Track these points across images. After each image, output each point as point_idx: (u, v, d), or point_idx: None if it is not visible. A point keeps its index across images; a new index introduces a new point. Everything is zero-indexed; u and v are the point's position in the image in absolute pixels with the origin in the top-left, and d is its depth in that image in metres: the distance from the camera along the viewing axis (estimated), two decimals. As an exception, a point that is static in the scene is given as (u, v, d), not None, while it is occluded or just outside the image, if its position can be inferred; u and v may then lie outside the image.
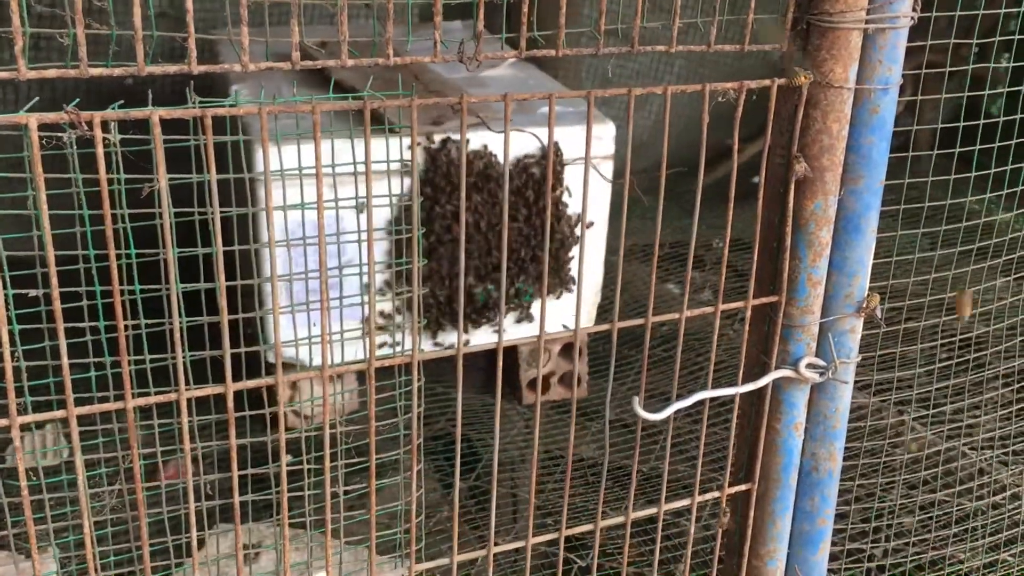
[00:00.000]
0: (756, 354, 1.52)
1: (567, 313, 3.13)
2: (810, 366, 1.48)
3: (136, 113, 1.09)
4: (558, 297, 3.23)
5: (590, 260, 3.23)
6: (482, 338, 3.20)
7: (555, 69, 3.91)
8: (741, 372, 1.51)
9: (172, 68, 1.13)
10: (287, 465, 1.28)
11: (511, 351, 3.42)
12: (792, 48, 1.35)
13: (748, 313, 1.48)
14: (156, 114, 1.09)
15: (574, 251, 3.18)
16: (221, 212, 1.22)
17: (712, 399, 1.51)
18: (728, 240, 1.41)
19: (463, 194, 1.19)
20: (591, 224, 3.15)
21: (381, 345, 3.02)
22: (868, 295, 1.47)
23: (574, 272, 3.21)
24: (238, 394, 1.23)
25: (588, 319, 3.33)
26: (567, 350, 3.44)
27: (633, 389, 3.37)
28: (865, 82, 1.34)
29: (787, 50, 1.35)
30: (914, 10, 1.31)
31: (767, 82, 1.34)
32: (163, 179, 1.12)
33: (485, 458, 3.09)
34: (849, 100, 1.34)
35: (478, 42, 1.20)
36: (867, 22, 1.30)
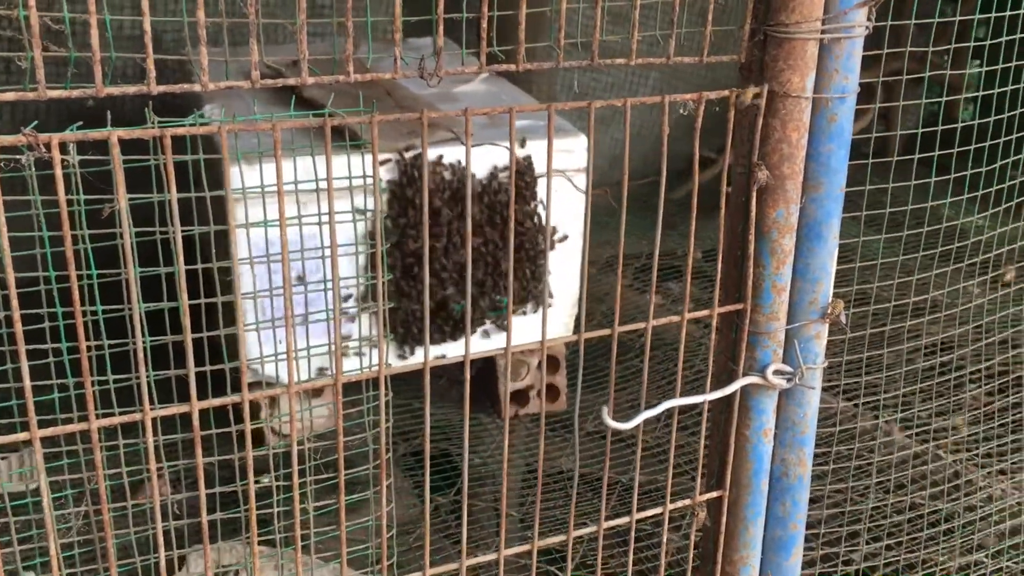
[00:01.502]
0: (725, 361, 1.53)
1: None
2: (777, 372, 1.49)
3: (94, 134, 1.09)
4: (535, 310, 3.23)
5: (566, 273, 3.24)
6: (461, 351, 3.20)
7: (529, 83, 3.93)
8: (709, 379, 1.52)
9: (131, 89, 1.13)
10: (259, 483, 1.27)
11: (490, 365, 3.42)
12: (749, 59, 1.36)
13: (714, 321, 1.50)
14: (115, 135, 1.10)
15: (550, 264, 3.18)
16: (183, 232, 1.23)
17: (689, 407, 1.51)
18: (691, 250, 1.42)
19: (425, 207, 1.20)
20: (565, 237, 3.16)
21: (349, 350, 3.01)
22: (832, 301, 1.48)
23: (553, 285, 3.21)
24: (209, 412, 1.23)
25: (566, 331, 3.34)
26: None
27: (611, 400, 3.37)
28: (822, 91, 1.35)
29: (744, 61, 1.36)
30: (869, 20, 1.33)
31: (726, 93, 1.36)
32: (123, 199, 1.12)
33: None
34: (807, 109, 1.36)
35: (438, 58, 1.21)
36: (822, 32, 1.31)
